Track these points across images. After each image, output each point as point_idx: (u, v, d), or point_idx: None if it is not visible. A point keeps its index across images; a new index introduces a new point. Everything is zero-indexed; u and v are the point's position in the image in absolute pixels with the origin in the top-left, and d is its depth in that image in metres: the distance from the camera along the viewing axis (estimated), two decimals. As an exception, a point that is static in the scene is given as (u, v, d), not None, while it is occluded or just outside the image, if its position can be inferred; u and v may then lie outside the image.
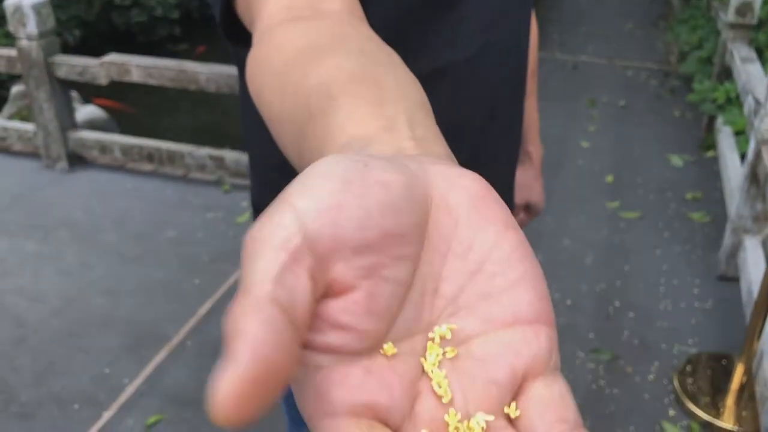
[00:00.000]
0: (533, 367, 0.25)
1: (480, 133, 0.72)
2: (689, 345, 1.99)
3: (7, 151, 3.01)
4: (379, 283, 0.24)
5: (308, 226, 0.22)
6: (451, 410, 0.25)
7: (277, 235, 0.22)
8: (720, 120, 2.95)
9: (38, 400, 1.78)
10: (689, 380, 1.83)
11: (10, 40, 3.38)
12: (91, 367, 1.89)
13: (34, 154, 2.96)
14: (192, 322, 2.05)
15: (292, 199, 0.23)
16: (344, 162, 0.25)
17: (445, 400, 0.25)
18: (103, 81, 2.71)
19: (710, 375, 1.85)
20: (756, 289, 1.87)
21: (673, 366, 1.91)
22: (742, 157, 2.54)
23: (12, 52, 2.78)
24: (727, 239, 2.23)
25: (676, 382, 1.83)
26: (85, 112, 3.24)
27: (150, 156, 2.80)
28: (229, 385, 0.19)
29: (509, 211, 0.27)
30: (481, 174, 0.28)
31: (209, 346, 1.96)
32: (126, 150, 2.82)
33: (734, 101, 2.93)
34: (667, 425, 1.72)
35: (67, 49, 3.46)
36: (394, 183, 0.25)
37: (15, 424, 1.70)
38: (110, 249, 2.39)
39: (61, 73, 2.73)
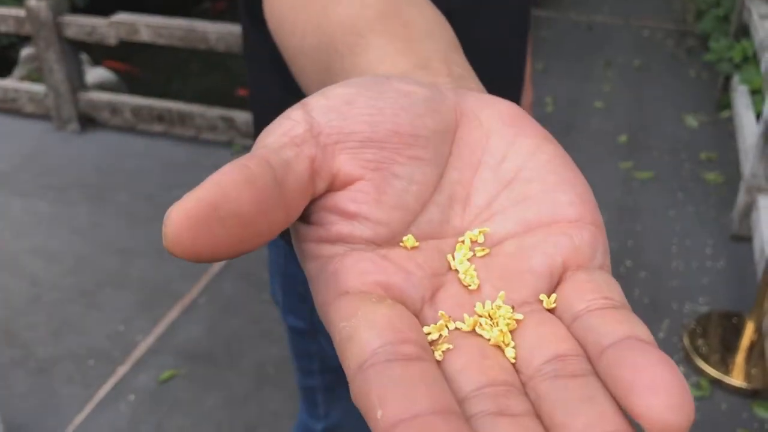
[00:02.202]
0: (574, 259, 0.23)
1: (487, 79, 0.71)
2: (700, 304, 1.99)
3: (18, 112, 3.01)
4: (389, 178, 0.23)
5: (315, 118, 0.22)
6: (480, 303, 0.22)
7: (283, 125, 0.22)
8: (736, 79, 2.90)
9: (54, 356, 1.81)
10: (699, 338, 1.83)
11: (18, 1, 3.36)
12: (106, 324, 1.92)
13: (45, 116, 2.96)
14: (204, 280, 2.07)
15: (307, 100, 0.23)
16: (366, 77, 0.25)
17: (472, 287, 0.23)
18: (112, 41, 2.70)
19: (720, 333, 1.85)
20: (769, 247, 1.86)
21: (684, 324, 1.91)
22: (758, 116, 2.50)
23: (21, 12, 2.77)
24: (741, 199, 2.21)
25: (686, 340, 1.83)
26: (95, 74, 3.23)
27: (161, 117, 2.80)
28: (183, 205, 0.19)
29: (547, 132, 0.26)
30: None
31: (221, 303, 1.98)
32: (137, 111, 2.82)
33: (751, 60, 2.88)
34: (676, 382, 1.72)
35: (75, 12, 3.44)
36: (415, 92, 0.25)
37: (32, 379, 1.74)
38: (122, 209, 2.41)
39: (70, 33, 2.71)
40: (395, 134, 0.23)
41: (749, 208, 2.18)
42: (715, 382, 1.71)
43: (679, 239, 2.28)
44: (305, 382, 0.90)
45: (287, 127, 0.22)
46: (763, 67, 2.28)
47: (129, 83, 3.37)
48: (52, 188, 2.53)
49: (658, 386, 0.18)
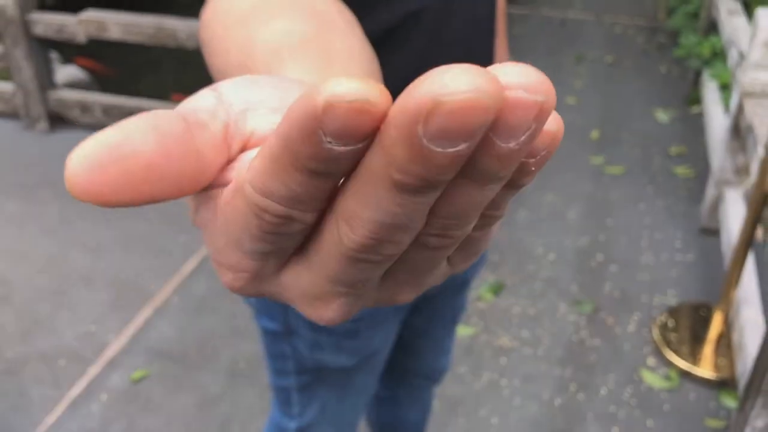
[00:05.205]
0: None
1: None
2: (669, 296, 2.02)
3: (-14, 111, 2.97)
4: None
5: (224, 93, 0.23)
6: None
7: (195, 99, 0.23)
8: (706, 74, 2.94)
9: (24, 357, 1.79)
10: (668, 330, 1.86)
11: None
12: (76, 324, 1.90)
13: (13, 115, 2.92)
14: (177, 279, 2.05)
15: (215, 84, 0.24)
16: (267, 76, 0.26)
17: None
18: (81, 39, 2.67)
19: (689, 325, 1.88)
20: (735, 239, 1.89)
21: (653, 317, 1.93)
22: (727, 110, 2.54)
23: (-12, 10, 2.72)
24: (710, 192, 2.24)
25: (655, 332, 1.85)
26: (66, 73, 3.18)
27: (132, 115, 2.77)
28: (82, 147, 0.19)
29: None
30: None
31: (194, 302, 1.97)
32: (107, 109, 2.78)
33: (720, 55, 2.92)
34: (646, 373, 1.75)
35: (44, 9, 3.38)
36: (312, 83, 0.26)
37: (2, 381, 1.71)
38: (92, 207, 2.38)
39: (39, 30, 2.68)
40: None
41: (717, 202, 2.22)
42: (684, 374, 1.74)
43: (649, 233, 2.31)
44: (279, 382, 0.90)
45: (199, 100, 0.23)
46: (730, 63, 2.31)
47: (100, 82, 3.33)
48: (22, 187, 2.49)
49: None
